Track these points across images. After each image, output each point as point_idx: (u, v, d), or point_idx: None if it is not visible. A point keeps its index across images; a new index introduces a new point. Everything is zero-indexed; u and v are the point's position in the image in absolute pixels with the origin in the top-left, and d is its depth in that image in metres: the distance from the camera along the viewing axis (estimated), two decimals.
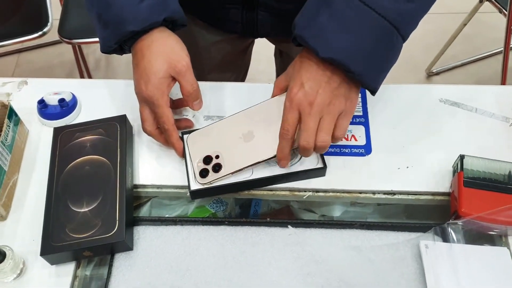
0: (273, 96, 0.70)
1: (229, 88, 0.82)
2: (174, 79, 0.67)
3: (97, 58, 1.98)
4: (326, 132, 0.62)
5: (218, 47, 0.97)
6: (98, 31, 0.69)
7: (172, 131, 0.68)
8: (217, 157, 0.68)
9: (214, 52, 0.97)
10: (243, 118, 0.71)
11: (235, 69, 1.08)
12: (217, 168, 0.68)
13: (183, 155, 0.71)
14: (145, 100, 0.68)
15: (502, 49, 1.56)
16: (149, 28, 0.66)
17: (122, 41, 0.67)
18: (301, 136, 0.62)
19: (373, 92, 0.64)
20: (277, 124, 0.65)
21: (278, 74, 1.16)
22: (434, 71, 1.87)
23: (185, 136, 0.73)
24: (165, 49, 0.67)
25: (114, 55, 1.85)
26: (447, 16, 2.02)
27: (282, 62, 1.12)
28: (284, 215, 0.83)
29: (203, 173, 0.68)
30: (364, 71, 0.60)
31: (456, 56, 1.89)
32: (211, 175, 0.67)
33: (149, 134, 0.71)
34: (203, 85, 0.80)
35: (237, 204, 0.84)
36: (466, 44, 1.90)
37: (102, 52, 0.70)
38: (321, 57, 0.60)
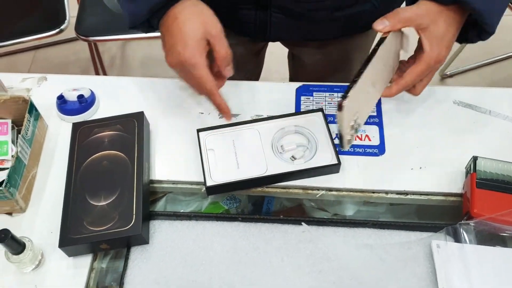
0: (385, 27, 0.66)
1: (244, 86, 0.83)
2: (208, 44, 0.67)
3: (112, 56, 2.00)
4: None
5: (233, 50, 0.98)
6: (126, 6, 0.69)
7: (215, 91, 0.69)
8: None
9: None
10: None
11: (248, 71, 1.09)
12: None
13: (230, 117, 0.73)
14: (182, 64, 0.66)
15: None
16: None
17: (154, 10, 0.67)
18: (421, 86, 0.69)
19: (490, 33, 0.68)
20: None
21: (291, 75, 1.17)
22: (448, 73, 1.87)
23: (201, 134, 0.74)
24: (199, 14, 0.67)
25: (129, 52, 1.86)
26: None
27: (294, 66, 1.12)
28: (297, 213, 0.84)
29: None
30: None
31: (470, 58, 1.89)
32: None
33: (209, 93, 0.70)
34: (226, 83, 0.81)
35: (250, 202, 0.86)
36: (481, 46, 1.87)
37: (130, 27, 0.70)
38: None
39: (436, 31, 0.64)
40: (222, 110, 0.71)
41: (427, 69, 0.66)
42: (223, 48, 0.68)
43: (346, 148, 0.69)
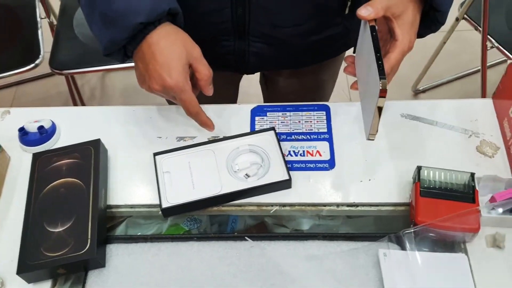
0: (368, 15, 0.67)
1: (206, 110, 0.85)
2: (189, 66, 0.70)
3: (92, 87, 2.04)
4: None
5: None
6: (101, 32, 0.69)
7: (201, 112, 0.73)
8: None
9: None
10: None
11: (225, 101, 1.12)
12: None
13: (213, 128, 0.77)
14: (169, 90, 0.68)
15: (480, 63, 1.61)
16: (157, 19, 0.67)
17: (130, 36, 0.67)
18: (392, 75, 0.69)
19: (441, 23, 0.71)
20: None
21: (265, 99, 1.19)
22: (420, 88, 1.91)
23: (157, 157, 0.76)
24: (179, 39, 0.69)
25: (109, 83, 1.88)
26: (432, 35, 2.07)
27: (268, 90, 1.15)
28: (259, 230, 0.86)
29: None
30: None
31: (441, 73, 1.93)
32: None
33: (195, 115, 0.73)
34: (176, 108, 0.84)
35: (215, 222, 0.87)
36: (450, 61, 1.94)
37: (105, 54, 0.71)
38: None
39: (407, 19, 0.67)
40: (208, 126, 0.76)
41: (402, 57, 0.68)
42: (205, 69, 0.70)
43: (375, 136, 0.67)
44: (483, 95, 1.63)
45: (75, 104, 1.77)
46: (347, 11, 0.82)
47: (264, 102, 1.19)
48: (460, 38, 1.69)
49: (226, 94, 1.10)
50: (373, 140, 0.67)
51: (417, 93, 1.92)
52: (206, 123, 0.75)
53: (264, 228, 0.86)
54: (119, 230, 0.78)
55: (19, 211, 0.74)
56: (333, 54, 0.97)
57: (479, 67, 1.88)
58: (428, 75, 1.85)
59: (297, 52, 0.89)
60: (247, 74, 0.96)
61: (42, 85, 2.07)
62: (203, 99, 1.03)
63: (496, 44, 1.45)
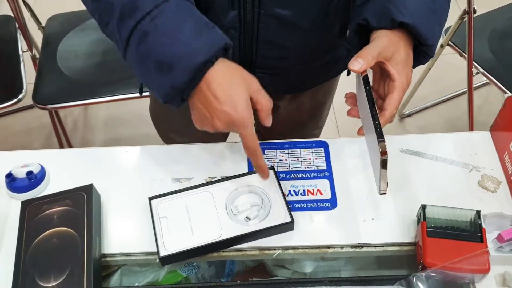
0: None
1: (196, 148, 0.83)
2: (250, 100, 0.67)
3: (74, 119, 2.00)
4: None
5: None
6: (159, 80, 0.65)
7: (260, 152, 0.70)
8: None
9: None
10: None
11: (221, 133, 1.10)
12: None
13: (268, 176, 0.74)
14: (234, 126, 0.66)
15: (467, 89, 1.62)
16: (215, 56, 0.64)
17: (193, 77, 0.64)
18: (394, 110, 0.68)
19: (430, 56, 0.71)
20: None
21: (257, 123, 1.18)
22: (406, 113, 1.92)
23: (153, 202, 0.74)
24: (237, 73, 0.66)
25: (92, 114, 1.85)
26: None
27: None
28: (259, 272, 0.83)
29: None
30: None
31: (426, 97, 1.95)
32: None
33: (253, 153, 0.70)
34: (170, 148, 0.82)
35: (212, 265, 0.84)
36: (435, 85, 1.96)
37: (165, 101, 0.67)
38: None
39: (400, 58, 0.67)
40: (263, 171, 0.72)
41: (403, 94, 0.68)
42: (266, 100, 0.68)
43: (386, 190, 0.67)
44: (471, 127, 1.64)
45: (58, 137, 1.73)
46: (347, 33, 0.83)
47: (255, 127, 1.17)
48: (442, 62, 1.71)
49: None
50: (385, 193, 0.67)
51: (403, 117, 1.93)
52: (262, 168, 0.71)
53: (264, 269, 0.83)
54: (114, 279, 0.74)
55: (8, 263, 0.70)
56: (333, 75, 0.98)
57: (463, 90, 1.91)
58: (413, 99, 1.87)
59: (299, 77, 0.89)
60: None
61: (23, 117, 2.02)
62: (199, 133, 1.01)
63: (482, 70, 1.46)
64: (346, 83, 0.97)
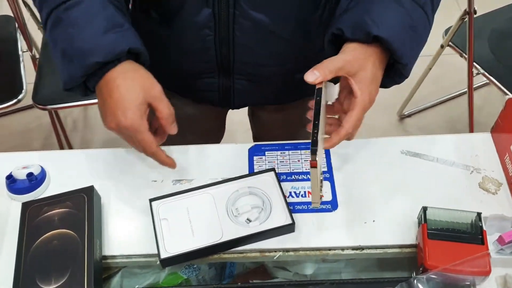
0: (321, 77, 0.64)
1: (196, 150, 0.83)
2: (148, 106, 0.67)
3: (74, 119, 1.99)
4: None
5: (195, 119, 0.99)
6: (62, 67, 0.68)
7: (158, 152, 0.70)
8: None
9: (191, 124, 0.99)
10: None
11: (211, 133, 1.10)
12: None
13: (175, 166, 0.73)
14: (125, 130, 0.67)
15: (467, 89, 1.62)
16: (116, 58, 0.66)
17: (88, 74, 0.66)
18: (356, 131, 0.66)
19: (405, 76, 0.69)
20: None
21: (253, 131, 1.18)
22: (405, 113, 1.92)
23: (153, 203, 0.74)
24: (138, 77, 0.67)
25: (92, 113, 1.84)
26: (417, 61, 2.10)
27: (255, 123, 1.14)
28: (259, 274, 0.83)
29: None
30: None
31: (426, 97, 1.95)
32: None
33: (152, 155, 0.70)
34: (171, 149, 0.82)
35: (212, 266, 0.84)
36: (435, 85, 1.96)
37: (65, 88, 0.70)
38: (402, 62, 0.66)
39: (365, 76, 0.64)
40: (168, 165, 0.72)
41: (363, 113, 0.65)
42: (165, 108, 0.68)
43: (319, 204, 0.67)
44: (471, 123, 1.64)
45: (58, 138, 1.73)
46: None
47: (253, 133, 1.18)
48: (442, 62, 1.71)
49: (212, 126, 1.08)
50: (317, 207, 0.67)
51: (402, 118, 1.93)
52: (166, 162, 0.72)
53: (264, 271, 0.83)
54: (115, 281, 0.74)
55: (9, 264, 0.69)
56: None
57: (463, 90, 1.91)
58: (412, 99, 1.87)
59: (282, 89, 0.88)
60: (232, 109, 0.95)
61: (22, 117, 2.02)
62: (191, 135, 1.02)
63: (482, 71, 1.46)
64: None
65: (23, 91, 1.45)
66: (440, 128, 1.90)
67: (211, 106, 0.92)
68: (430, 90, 1.95)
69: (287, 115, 1.01)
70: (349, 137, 0.67)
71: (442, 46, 1.56)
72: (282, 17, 0.75)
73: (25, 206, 0.73)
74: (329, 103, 0.69)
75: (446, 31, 1.55)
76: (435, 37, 1.81)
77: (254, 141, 1.11)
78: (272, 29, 0.76)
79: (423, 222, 0.68)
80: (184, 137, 1.01)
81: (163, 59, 0.84)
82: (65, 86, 0.69)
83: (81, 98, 1.40)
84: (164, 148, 0.83)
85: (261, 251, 0.71)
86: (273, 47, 0.79)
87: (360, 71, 0.64)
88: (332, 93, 0.68)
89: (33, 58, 1.57)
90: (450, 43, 1.54)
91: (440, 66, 1.71)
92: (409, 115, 1.93)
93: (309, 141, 0.80)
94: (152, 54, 0.71)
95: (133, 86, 0.66)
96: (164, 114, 0.68)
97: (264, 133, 1.12)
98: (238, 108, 0.93)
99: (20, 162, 0.80)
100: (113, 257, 0.71)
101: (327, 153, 0.81)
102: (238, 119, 1.37)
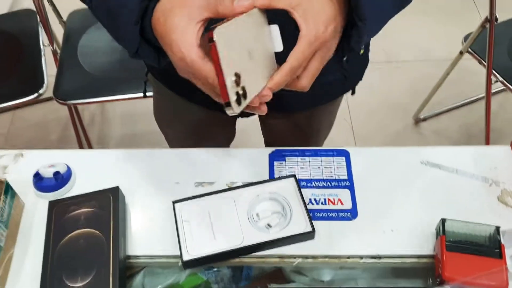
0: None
1: (217, 153, 0.85)
2: (201, 22, 0.56)
3: (92, 113, 2.02)
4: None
5: (204, 123, 0.99)
6: (121, 33, 0.63)
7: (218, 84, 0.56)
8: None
9: (201, 129, 0.99)
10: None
11: (223, 136, 1.11)
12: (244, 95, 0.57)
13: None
14: (184, 65, 0.56)
15: (484, 94, 1.62)
16: None
17: (141, 16, 0.60)
18: (307, 76, 0.59)
19: (361, 38, 0.60)
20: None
21: (264, 137, 1.18)
22: (421, 117, 1.92)
23: (177, 204, 0.75)
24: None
25: (109, 108, 1.84)
26: (432, 63, 2.09)
27: (265, 129, 1.14)
28: (276, 278, 0.84)
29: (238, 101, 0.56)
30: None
31: (442, 102, 1.95)
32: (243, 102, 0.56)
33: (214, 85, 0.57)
34: (193, 152, 0.84)
35: (229, 268, 0.86)
36: (451, 90, 1.95)
37: (132, 55, 0.64)
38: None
39: (310, 8, 0.56)
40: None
41: (309, 48, 0.57)
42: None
43: (235, 110, 0.55)
44: (487, 133, 1.64)
45: (76, 132, 1.75)
46: (345, 58, 0.82)
47: (264, 139, 1.18)
48: (458, 67, 1.70)
49: (222, 130, 1.09)
50: (232, 114, 0.56)
51: (417, 121, 1.93)
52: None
53: (281, 275, 0.84)
54: (137, 280, 0.76)
55: (35, 260, 0.72)
56: (328, 100, 0.96)
57: (479, 96, 1.91)
58: (428, 103, 1.87)
59: (292, 98, 0.88)
60: (241, 117, 0.94)
61: (40, 109, 2.05)
62: (197, 140, 1.02)
63: (501, 79, 1.46)
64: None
65: (44, 85, 1.47)
66: (455, 133, 1.90)
67: (219, 112, 0.92)
68: (446, 95, 1.95)
69: (297, 124, 1.01)
70: (299, 85, 0.60)
71: (461, 53, 1.56)
72: (292, 29, 0.74)
73: (52, 204, 0.75)
74: (277, 50, 0.62)
75: (466, 37, 1.55)
76: (454, 43, 1.82)
77: (266, 146, 1.12)
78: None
79: (441, 234, 0.69)
80: (195, 141, 1.03)
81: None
82: (130, 48, 0.63)
83: (102, 93, 1.43)
84: (183, 150, 0.85)
85: (281, 256, 0.73)
86: (282, 55, 0.79)
87: (304, 2, 0.56)
88: (275, 37, 0.61)
89: (54, 52, 1.59)
90: (469, 49, 1.54)
91: (458, 71, 1.71)
92: (424, 119, 1.93)
93: (328, 148, 0.81)
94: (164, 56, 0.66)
95: (174, 11, 0.57)
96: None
97: (273, 141, 1.12)
98: (247, 116, 0.93)
99: (47, 160, 0.82)
100: (136, 257, 0.73)
101: (348, 160, 0.82)
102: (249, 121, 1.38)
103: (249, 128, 1.28)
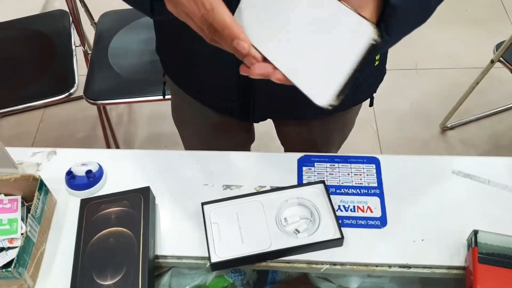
0: None
1: (246, 157, 0.85)
2: None
3: (119, 113, 2.05)
4: None
5: (220, 129, 1.00)
6: None
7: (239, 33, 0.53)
8: None
9: (214, 129, 1.00)
10: None
11: (240, 137, 1.10)
12: None
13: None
14: (205, 20, 0.53)
15: None
16: None
17: None
18: None
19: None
20: None
21: (279, 138, 1.17)
22: (448, 125, 1.89)
23: (205, 207, 0.76)
24: None
25: (136, 109, 1.85)
26: (461, 71, 2.06)
27: (280, 135, 1.11)
28: (302, 283, 0.84)
29: None
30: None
31: (470, 110, 1.91)
32: None
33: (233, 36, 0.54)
34: (222, 154, 0.84)
35: (255, 271, 0.86)
36: (480, 98, 1.92)
37: (154, 14, 0.61)
38: None
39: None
40: (254, 57, 0.56)
41: None
42: None
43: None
44: None
45: (104, 131, 1.78)
46: None
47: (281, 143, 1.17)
48: (488, 76, 1.67)
49: (239, 132, 1.08)
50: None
51: (444, 130, 1.90)
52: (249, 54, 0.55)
53: (306, 280, 0.84)
54: (164, 280, 0.77)
55: (66, 257, 0.73)
56: (340, 109, 0.95)
57: (508, 106, 1.87)
58: (456, 112, 1.84)
59: (304, 106, 0.88)
60: (253, 122, 0.94)
61: (70, 108, 2.08)
62: (216, 141, 1.02)
63: None
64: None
65: (75, 85, 1.49)
66: (483, 143, 1.86)
67: (232, 117, 0.92)
68: (475, 103, 1.92)
69: (308, 132, 1.01)
70: None
71: (492, 61, 1.54)
72: None
73: (84, 202, 0.76)
74: None
75: (498, 46, 1.52)
76: (483, 51, 1.79)
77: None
78: None
79: (473, 246, 0.68)
80: (210, 145, 1.03)
81: (187, 62, 0.84)
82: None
83: (131, 94, 1.45)
84: (211, 152, 0.85)
85: (309, 262, 0.73)
86: None
87: None
88: None
89: (85, 53, 1.62)
90: (501, 58, 1.51)
91: (487, 79, 1.68)
92: (452, 127, 1.90)
93: (358, 155, 0.80)
94: (178, 55, 0.63)
95: None
96: None
97: (286, 147, 1.12)
98: (258, 121, 0.93)
99: (79, 159, 0.83)
100: (165, 257, 0.74)
101: (378, 167, 0.82)
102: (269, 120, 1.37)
103: (272, 131, 1.28)
